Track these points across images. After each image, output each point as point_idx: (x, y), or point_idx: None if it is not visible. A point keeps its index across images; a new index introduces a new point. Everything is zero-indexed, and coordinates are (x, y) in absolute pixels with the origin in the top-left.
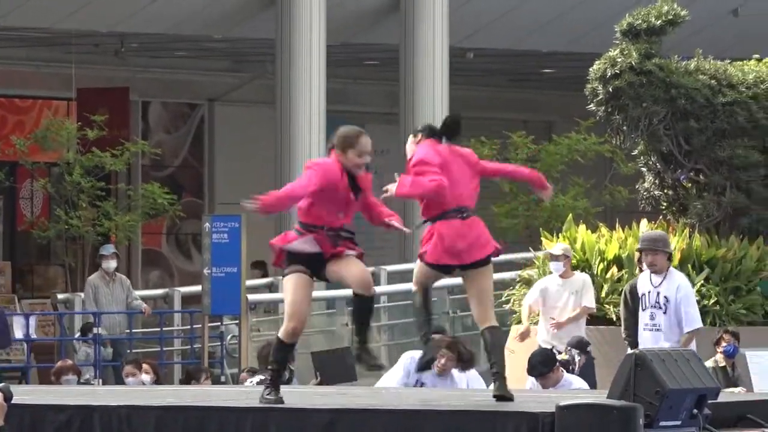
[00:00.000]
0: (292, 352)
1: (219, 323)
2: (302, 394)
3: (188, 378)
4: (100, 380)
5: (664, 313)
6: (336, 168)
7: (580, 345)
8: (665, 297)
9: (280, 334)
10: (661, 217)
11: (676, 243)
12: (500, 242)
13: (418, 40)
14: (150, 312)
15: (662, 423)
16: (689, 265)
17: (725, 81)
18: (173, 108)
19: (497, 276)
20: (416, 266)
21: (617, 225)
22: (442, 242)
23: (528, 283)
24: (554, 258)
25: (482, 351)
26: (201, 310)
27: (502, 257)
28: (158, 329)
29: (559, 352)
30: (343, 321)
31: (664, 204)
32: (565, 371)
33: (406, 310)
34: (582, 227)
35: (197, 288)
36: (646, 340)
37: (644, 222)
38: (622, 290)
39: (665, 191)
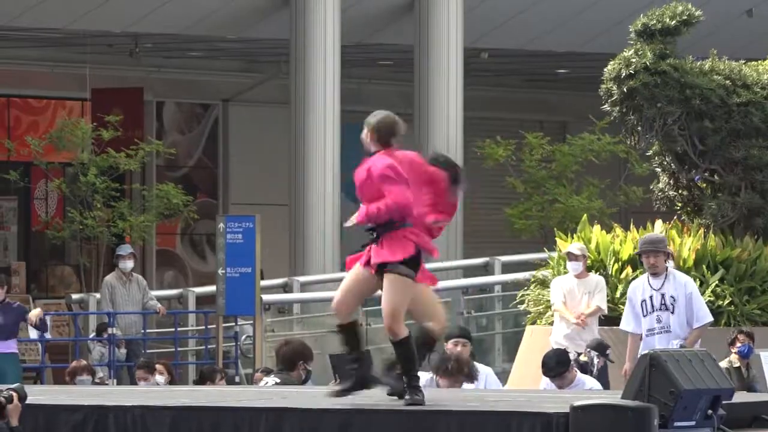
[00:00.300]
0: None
1: (233, 323)
2: (316, 394)
3: (203, 378)
4: (115, 380)
5: (672, 312)
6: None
7: (600, 347)
8: (672, 297)
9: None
10: (675, 217)
11: (691, 243)
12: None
13: (432, 41)
14: (165, 312)
15: (677, 423)
16: (704, 266)
17: (740, 81)
18: (187, 108)
19: (512, 276)
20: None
21: (632, 225)
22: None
23: (543, 283)
24: (574, 258)
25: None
26: (215, 311)
27: (516, 257)
28: (173, 330)
29: (579, 354)
30: (359, 322)
31: (679, 204)
32: (578, 371)
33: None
34: (596, 228)
35: (212, 288)
36: (654, 345)
37: (659, 222)
38: None
39: (680, 191)
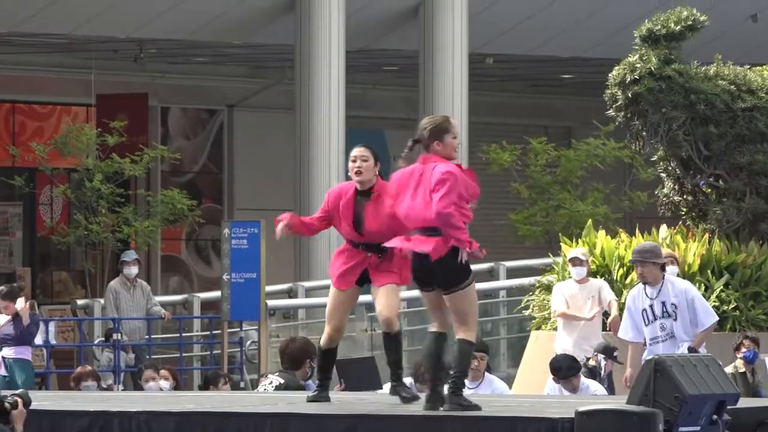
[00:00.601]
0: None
1: (238, 329)
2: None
3: (206, 384)
4: (121, 386)
5: (675, 319)
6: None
7: (607, 350)
8: (673, 304)
9: (469, 337)
10: (680, 222)
11: (696, 249)
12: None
13: (437, 46)
14: (170, 318)
15: (682, 429)
16: (709, 271)
17: (745, 86)
18: (192, 114)
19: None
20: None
21: (637, 231)
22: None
23: (547, 288)
24: (579, 263)
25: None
26: (220, 316)
27: (522, 263)
28: (178, 335)
29: (587, 358)
30: (363, 326)
31: (684, 210)
32: (582, 376)
33: (424, 316)
34: (601, 233)
35: (216, 294)
36: (660, 352)
37: (664, 227)
38: None
39: (685, 197)
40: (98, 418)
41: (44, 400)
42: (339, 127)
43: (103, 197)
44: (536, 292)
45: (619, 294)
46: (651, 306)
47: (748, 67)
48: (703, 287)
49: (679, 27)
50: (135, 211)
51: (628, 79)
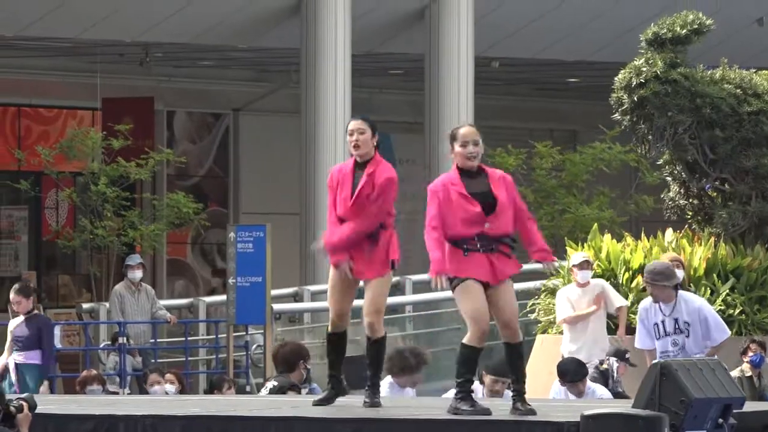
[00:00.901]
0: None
1: (244, 333)
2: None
3: (211, 388)
4: (127, 390)
5: (688, 336)
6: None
7: (619, 353)
8: (686, 322)
9: (472, 342)
10: (686, 226)
11: (702, 252)
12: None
13: (443, 50)
14: (175, 321)
15: None
16: (714, 275)
17: (750, 90)
18: (198, 117)
19: (521, 285)
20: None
21: (642, 234)
22: None
23: (553, 292)
24: (585, 267)
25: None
26: (226, 320)
27: (527, 267)
28: (183, 339)
29: (601, 362)
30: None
31: (690, 213)
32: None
33: (430, 319)
34: (607, 236)
35: (222, 297)
36: None
37: (669, 231)
38: None
39: (690, 200)
40: (103, 422)
41: (50, 403)
42: (345, 130)
43: (109, 201)
44: (542, 296)
45: (624, 297)
46: (663, 322)
47: (754, 70)
48: (708, 291)
49: (685, 31)
50: (140, 215)
51: (634, 83)
